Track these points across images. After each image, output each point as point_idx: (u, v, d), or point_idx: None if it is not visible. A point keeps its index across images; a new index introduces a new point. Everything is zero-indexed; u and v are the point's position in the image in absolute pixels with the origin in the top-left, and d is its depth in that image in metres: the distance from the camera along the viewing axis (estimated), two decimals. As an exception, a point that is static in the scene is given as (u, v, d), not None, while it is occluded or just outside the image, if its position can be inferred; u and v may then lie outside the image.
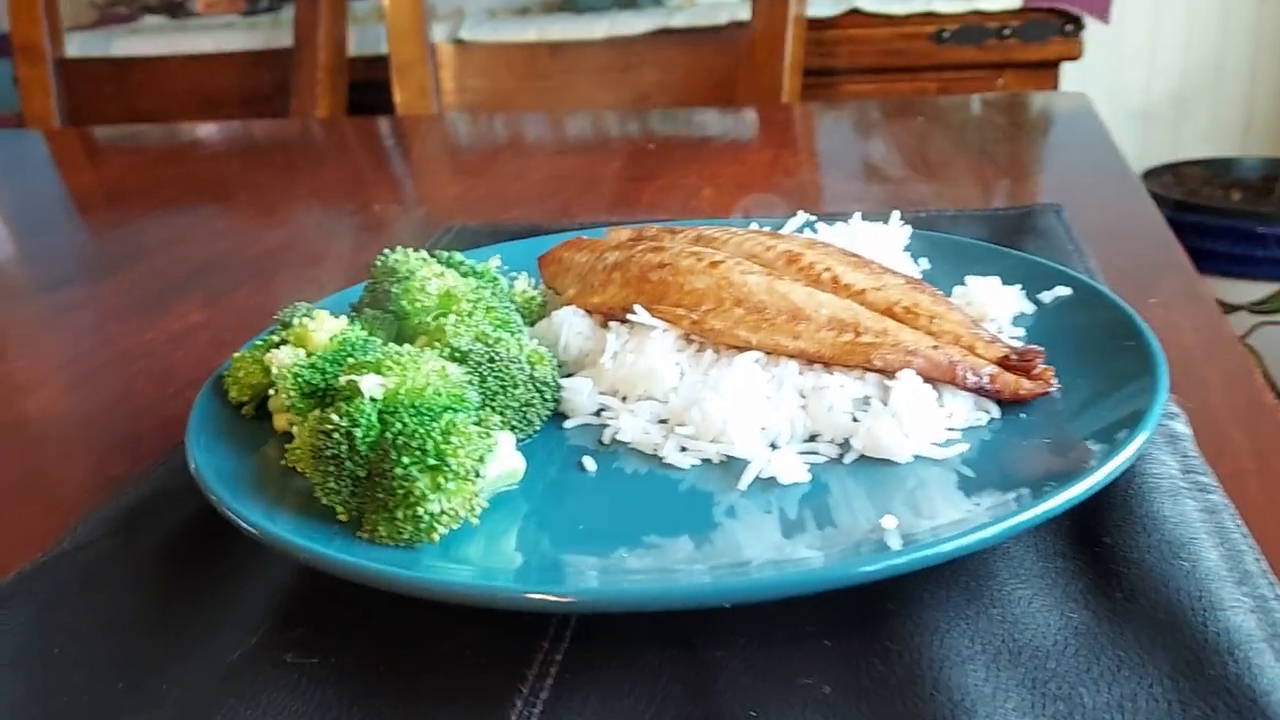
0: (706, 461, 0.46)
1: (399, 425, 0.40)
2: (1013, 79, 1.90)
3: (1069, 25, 1.81)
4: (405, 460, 0.39)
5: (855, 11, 1.91)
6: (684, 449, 0.47)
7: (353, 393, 0.41)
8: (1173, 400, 0.50)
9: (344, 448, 0.40)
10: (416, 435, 0.39)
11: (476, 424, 0.42)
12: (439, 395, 0.41)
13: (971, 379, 0.48)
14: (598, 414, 0.51)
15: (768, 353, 0.50)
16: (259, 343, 0.50)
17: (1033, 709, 0.33)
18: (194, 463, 0.44)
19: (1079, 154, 1.03)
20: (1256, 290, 1.93)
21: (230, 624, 0.40)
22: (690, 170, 1.05)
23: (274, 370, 0.46)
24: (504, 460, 0.45)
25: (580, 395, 0.51)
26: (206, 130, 1.62)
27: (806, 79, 1.81)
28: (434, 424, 0.40)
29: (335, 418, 0.40)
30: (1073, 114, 1.17)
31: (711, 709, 0.35)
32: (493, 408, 0.47)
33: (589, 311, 0.57)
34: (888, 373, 0.48)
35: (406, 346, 0.44)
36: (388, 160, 1.34)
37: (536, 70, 1.97)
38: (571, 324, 0.56)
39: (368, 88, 2.04)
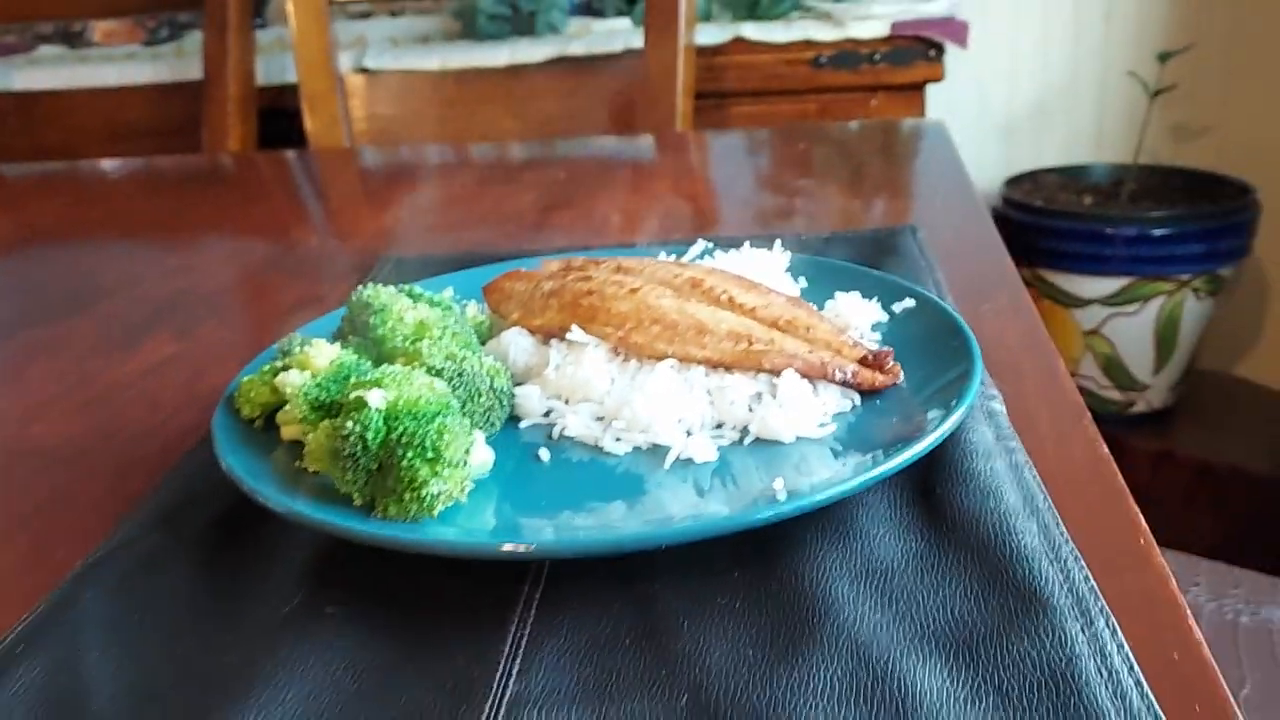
0: (637, 448, 0.59)
1: (402, 428, 0.52)
2: (884, 100, 2.08)
3: (932, 51, 1.99)
4: (410, 455, 0.51)
5: (740, 39, 2.06)
6: (619, 439, 0.60)
7: (360, 405, 0.53)
8: (993, 386, 0.65)
9: (359, 448, 0.52)
10: (417, 435, 0.51)
11: (459, 424, 0.53)
12: (430, 403, 0.53)
13: (839, 375, 0.61)
14: (546, 415, 0.63)
15: (680, 361, 0.63)
16: (265, 368, 0.61)
17: (881, 607, 0.47)
18: (226, 463, 0.55)
19: (934, 178, 1.18)
20: (1107, 285, 2.14)
21: (273, 591, 0.51)
22: (599, 198, 1.18)
23: (286, 390, 0.58)
24: (477, 453, 0.57)
25: (531, 400, 0.63)
26: (124, 167, 1.68)
27: (699, 101, 1.95)
28: (429, 426, 0.52)
29: (350, 424, 0.52)
30: (931, 140, 1.33)
31: (654, 623, 0.47)
32: (463, 413, 0.59)
33: (531, 332, 0.69)
34: (774, 373, 0.62)
35: (396, 366, 0.56)
36: (311, 195, 1.43)
37: (443, 98, 2.08)
38: (518, 343, 0.68)
39: (273, 115, 2.12)
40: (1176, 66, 2.22)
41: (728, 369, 0.63)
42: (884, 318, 0.71)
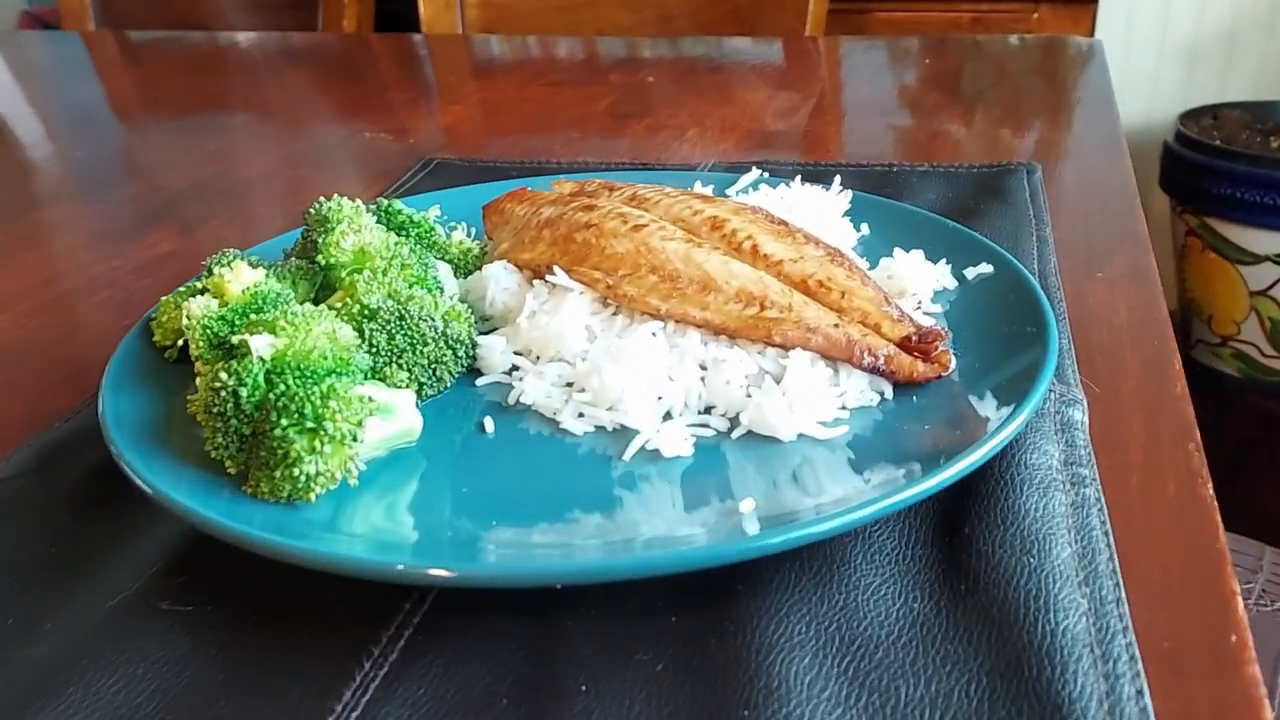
0: (601, 428, 0.48)
1: (282, 387, 0.41)
2: (1048, 14, 1.85)
3: (1109, -41, 1.75)
4: (284, 422, 0.41)
5: (888, -64, 1.86)
6: (581, 414, 0.48)
7: (245, 351, 0.43)
8: (1079, 384, 0.51)
9: (230, 405, 0.42)
10: (296, 398, 0.41)
11: (381, 380, 0.43)
12: (324, 359, 0.42)
13: (867, 360, 0.48)
14: (510, 372, 0.52)
15: (676, 321, 0.51)
16: (183, 289, 0.52)
17: (846, 699, 0.35)
18: (101, 407, 0.46)
19: (1079, 109, 1.00)
20: (1285, 242, 1.89)
21: (120, 566, 0.42)
22: (682, 109, 1.04)
23: (184, 320, 0.48)
24: (402, 418, 0.46)
25: (493, 353, 0.52)
26: (233, 40, 1.61)
27: (836, 4, 1.77)
28: (315, 388, 0.41)
29: (224, 376, 0.42)
30: (1084, 64, 1.14)
31: (546, 679, 0.36)
32: (399, 365, 0.49)
33: (519, 267, 0.57)
34: (786, 348, 0.49)
35: (306, 306, 0.46)
36: (392, 83, 1.33)
37: (562, -13, 1.94)
38: (499, 280, 0.57)
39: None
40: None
41: (731, 337, 0.50)
42: (952, 284, 0.57)
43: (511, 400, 0.50)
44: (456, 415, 0.49)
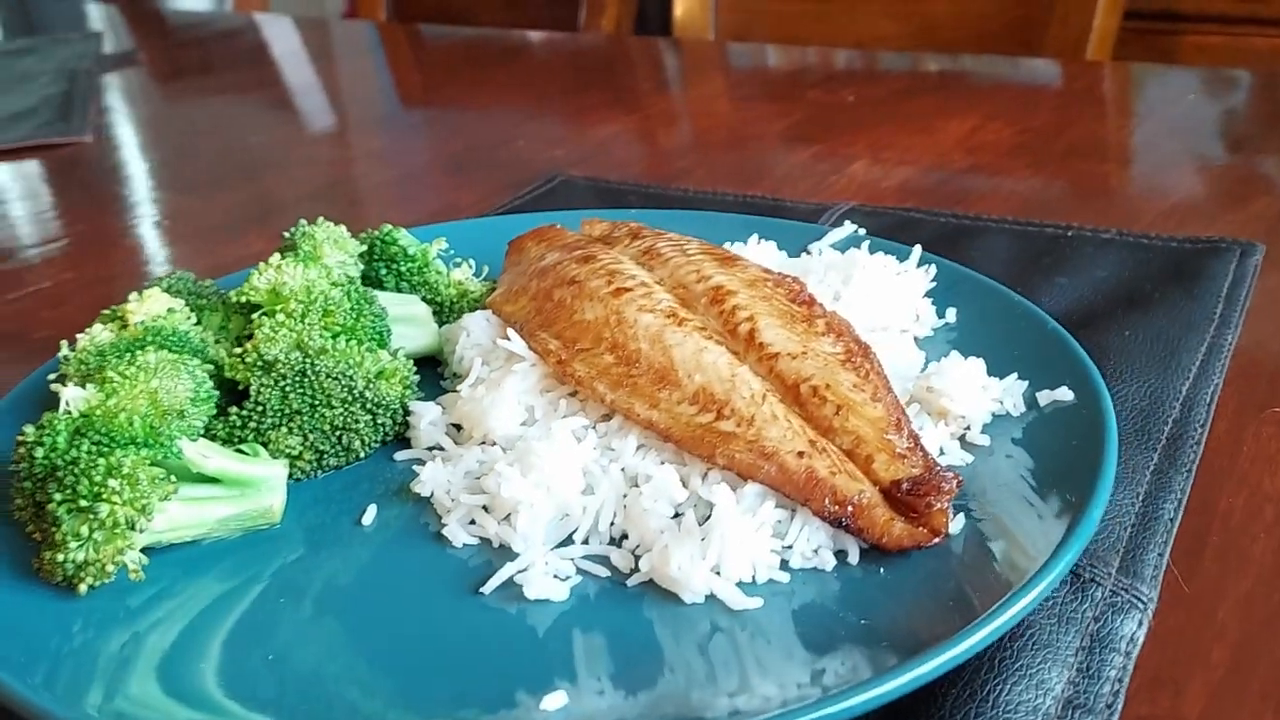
0: (486, 541, 0.39)
1: (72, 453, 0.35)
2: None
3: None
4: (58, 496, 0.34)
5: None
6: (472, 521, 0.39)
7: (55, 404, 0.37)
8: (1156, 579, 0.36)
9: (26, 465, 0.36)
10: (75, 470, 0.34)
11: (264, 445, 0.36)
12: (130, 425, 0.36)
13: (829, 507, 0.36)
14: (434, 449, 0.44)
15: (624, 416, 0.41)
16: (106, 312, 0.47)
17: None
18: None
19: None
20: None
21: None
22: (865, 135, 0.91)
23: (62, 353, 0.43)
24: (262, 497, 0.39)
25: (421, 422, 0.44)
26: (480, 37, 1.62)
27: (1135, 22, 1.55)
28: (100, 460, 0.35)
29: (29, 429, 0.36)
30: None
31: None
32: (291, 429, 0.42)
33: (504, 319, 0.49)
34: (738, 474, 0.38)
35: (162, 354, 0.39)
36: (581, 89, 1.26)
37: (823, -8, 1.83)
38: (474, 331, 0.48)
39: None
40: None
41: (678, 446, 0.39)
42: (1020, 409, 0.42)
43: (414, 488, 0.42)
44: (349, 498, 0.42)
